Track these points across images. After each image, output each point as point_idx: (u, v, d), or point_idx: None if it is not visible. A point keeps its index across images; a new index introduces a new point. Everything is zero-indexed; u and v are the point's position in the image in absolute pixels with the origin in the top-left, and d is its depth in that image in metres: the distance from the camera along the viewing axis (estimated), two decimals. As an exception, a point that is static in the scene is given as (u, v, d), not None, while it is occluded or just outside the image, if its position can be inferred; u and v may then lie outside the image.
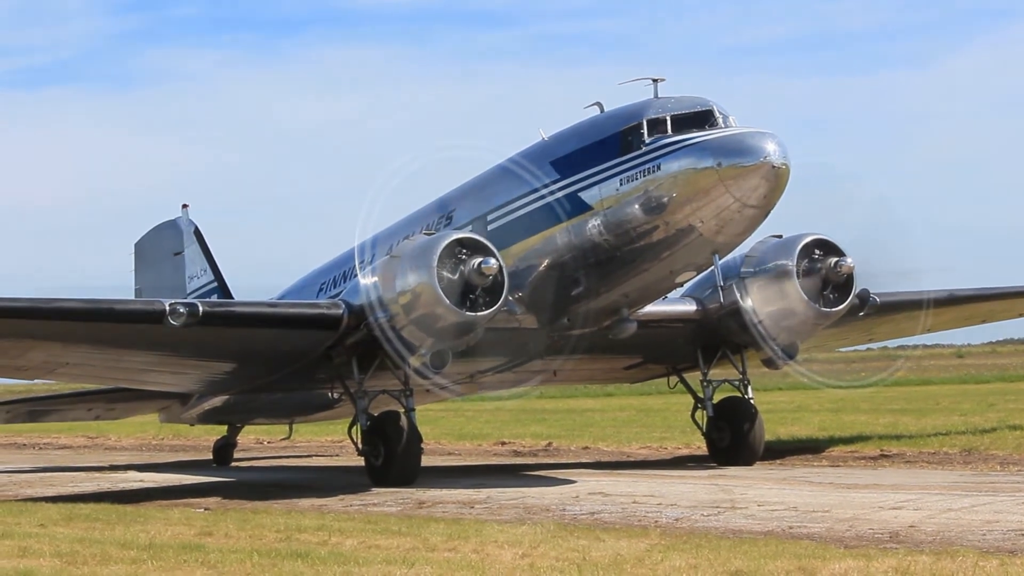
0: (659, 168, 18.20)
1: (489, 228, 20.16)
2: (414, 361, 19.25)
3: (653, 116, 18.64)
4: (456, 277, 18.30)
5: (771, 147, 17.56)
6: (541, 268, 19.71)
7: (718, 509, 14.98)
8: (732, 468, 21.10)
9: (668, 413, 34.04)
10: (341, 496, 18.39)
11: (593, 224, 18.94)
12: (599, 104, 19.97)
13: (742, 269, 21.27)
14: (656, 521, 13.92)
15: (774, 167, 17.46)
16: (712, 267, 19.09)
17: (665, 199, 18.13)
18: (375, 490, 19.11)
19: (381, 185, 19.33)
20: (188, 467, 28.10)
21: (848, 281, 20.68)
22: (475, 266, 18.26)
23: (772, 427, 25.09)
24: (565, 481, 19.47)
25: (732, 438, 22.05)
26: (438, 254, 18.23)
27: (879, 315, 23.07)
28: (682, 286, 20.86)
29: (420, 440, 20.31)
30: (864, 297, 21.57)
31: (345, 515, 15.38)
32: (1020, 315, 28.63)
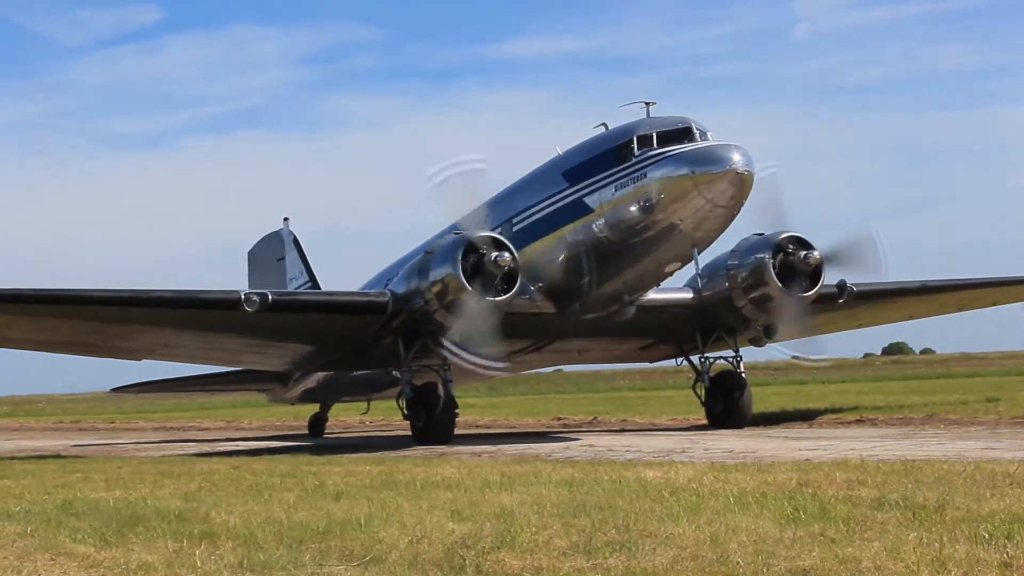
0: (645, 176, 21.48)
1: (514, 230, 23.65)
2: (446, 340, 22.98)
3: (642, 133, 21.79)
4: (477, 268, 21.91)
5: (737, 157, 20.57)
6: (555, 261, 23.12)
7: (668, 453, 17.32)
8: (723, 431, 23.59)
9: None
10: (384, 452, 20.72)
11: (595, 224, 22.29)
12: (604, 124, 23.25)
13: (728, 262, 24.10)
14: (608, 459, 16.52)
15: (739, 173, 20.47)
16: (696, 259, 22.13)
17: (651, 202, 21.39)
18: (416, 447, 22.16)
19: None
20: (287, 439, 32.04)
21: (817, 271, 23.46)
22: (492, 259, 21.88)
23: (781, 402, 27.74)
24: (572, 439, 22.74)
25: (725, 406, 24.96)
26: (461, 250, 21.91)
27: (859, 302, 25.52)
28: (671, 276, 23.20)
29: (455, 406, 23.66)
30: (842, 286, 24.39)
31: (356, 459, 18.61)
32: (993, 303, 30.21)
